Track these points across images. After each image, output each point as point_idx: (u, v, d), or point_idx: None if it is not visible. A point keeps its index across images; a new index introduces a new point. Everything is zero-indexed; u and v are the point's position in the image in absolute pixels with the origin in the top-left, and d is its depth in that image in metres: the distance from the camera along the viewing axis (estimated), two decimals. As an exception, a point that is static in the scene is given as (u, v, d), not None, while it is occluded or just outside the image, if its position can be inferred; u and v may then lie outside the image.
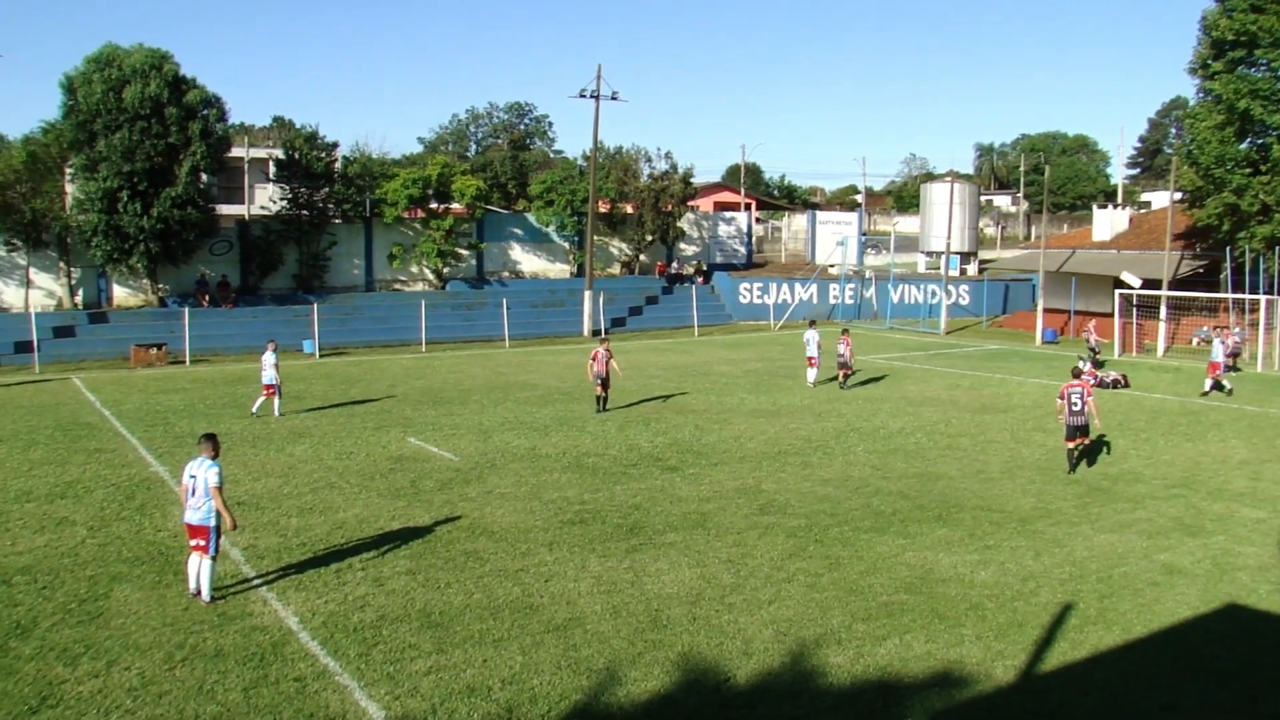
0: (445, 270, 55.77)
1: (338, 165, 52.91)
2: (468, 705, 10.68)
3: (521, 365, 39.52)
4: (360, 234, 54.23)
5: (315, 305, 45.52)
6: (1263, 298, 42.63)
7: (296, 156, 50.58)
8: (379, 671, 11.47)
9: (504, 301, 49.87)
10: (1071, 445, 21.93)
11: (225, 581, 14.22)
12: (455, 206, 55.29)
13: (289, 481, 20.40)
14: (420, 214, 54.53)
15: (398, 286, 55.25)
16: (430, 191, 53.64)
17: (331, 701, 10.76)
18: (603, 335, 33.55)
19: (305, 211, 50.90)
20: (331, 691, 10.98)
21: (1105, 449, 24.03)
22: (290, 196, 50.57)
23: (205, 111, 45.35)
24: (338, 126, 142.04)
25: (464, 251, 56.38)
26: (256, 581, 14.40)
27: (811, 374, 34.05)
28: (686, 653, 12.06)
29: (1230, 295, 45.26)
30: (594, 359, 28.49)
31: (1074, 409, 21.69)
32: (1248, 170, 45.90)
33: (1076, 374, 23.18)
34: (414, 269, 55.47)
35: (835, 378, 34.28)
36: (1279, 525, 17.91)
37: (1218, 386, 33.05)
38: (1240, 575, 15.14)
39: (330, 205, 51.85)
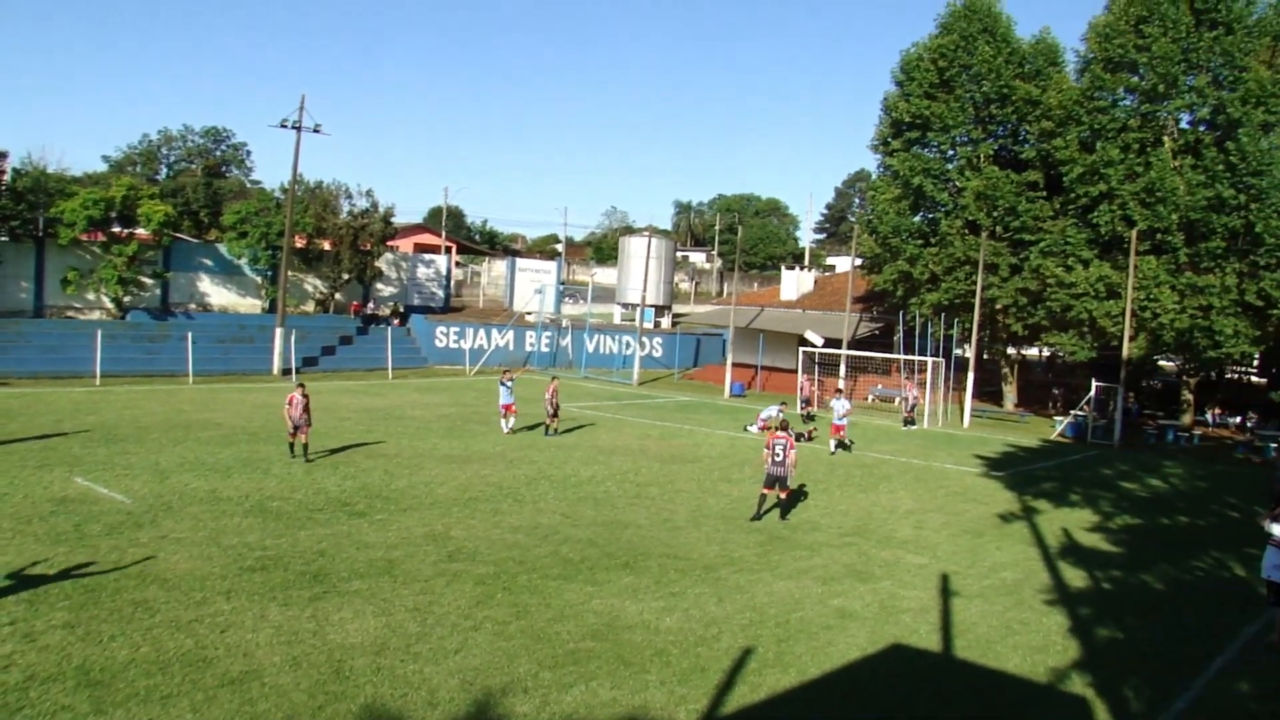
0: (126, 299, 52.45)
1: (6, 178, 48.91)
2: (127, 769, 9.89)
3: (206, 403, 37.54)
4: (30, 254, 50.27)
5: (-27, 330, 41.76)
6: (930, 359, 46.09)
7: (-45, 165, 46.44)
8: (24, 738, 10.45)
9: (189, 335, 47.33)
10: (767, 491, 22.90)
11: None
12: (141, 232, 52.22)
13: (-70, 524, 18.41)
14: (101, 237, 51.09)
15: (72, 314, 51.49)
16: (114, 214, 50.46)
17: (-34, 772, 9.71)
18: (296, 379, 32.18)
19: (-37, 226, 46.70)
20: (-34, 761, 9.92)
21: (801, 498, 25.16)
22: (-54, 208, 46.25)
23: None
24: (8, 135, 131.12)
25: (148, 280, 53.31)
26: (-116, 637, 12.86)
27: (508, 422, 33.93)
28: (370, 705, 11.65)
29: (902, 356, 48.70)
30: (290, 403, 26.91)
31: (775, 459, 22.70)
32: (920, 242, 49.77)
33: (784, 426, 24.22)
34: (91, 296, 51.88)
35: (541, 425, 34.50)
36: (938, 570, 19.22)
37: (842, 446, 34.75)
38: (904, 617, 16.11)
39: (-5, 222, 47.81)
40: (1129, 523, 25.31)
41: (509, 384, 34.02)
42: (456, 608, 15.18)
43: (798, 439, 36.22)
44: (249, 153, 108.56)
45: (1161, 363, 54.38)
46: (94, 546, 17.41)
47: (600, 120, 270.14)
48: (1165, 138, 44.31)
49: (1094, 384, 43.53)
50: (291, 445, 27.08)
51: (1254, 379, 57.83)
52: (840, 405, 35.27)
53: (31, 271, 50.39)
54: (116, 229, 51.13)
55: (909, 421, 43.16)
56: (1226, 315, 41.38)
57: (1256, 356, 52.21)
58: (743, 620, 15.44)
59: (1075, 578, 19.47)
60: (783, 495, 23.01)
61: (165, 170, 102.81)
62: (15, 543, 17.42)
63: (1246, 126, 40.66)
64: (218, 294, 57.37)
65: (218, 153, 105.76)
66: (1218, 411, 49.35)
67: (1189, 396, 48.20)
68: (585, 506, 23.05)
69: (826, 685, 13.21)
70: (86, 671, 12.09)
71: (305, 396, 27.10)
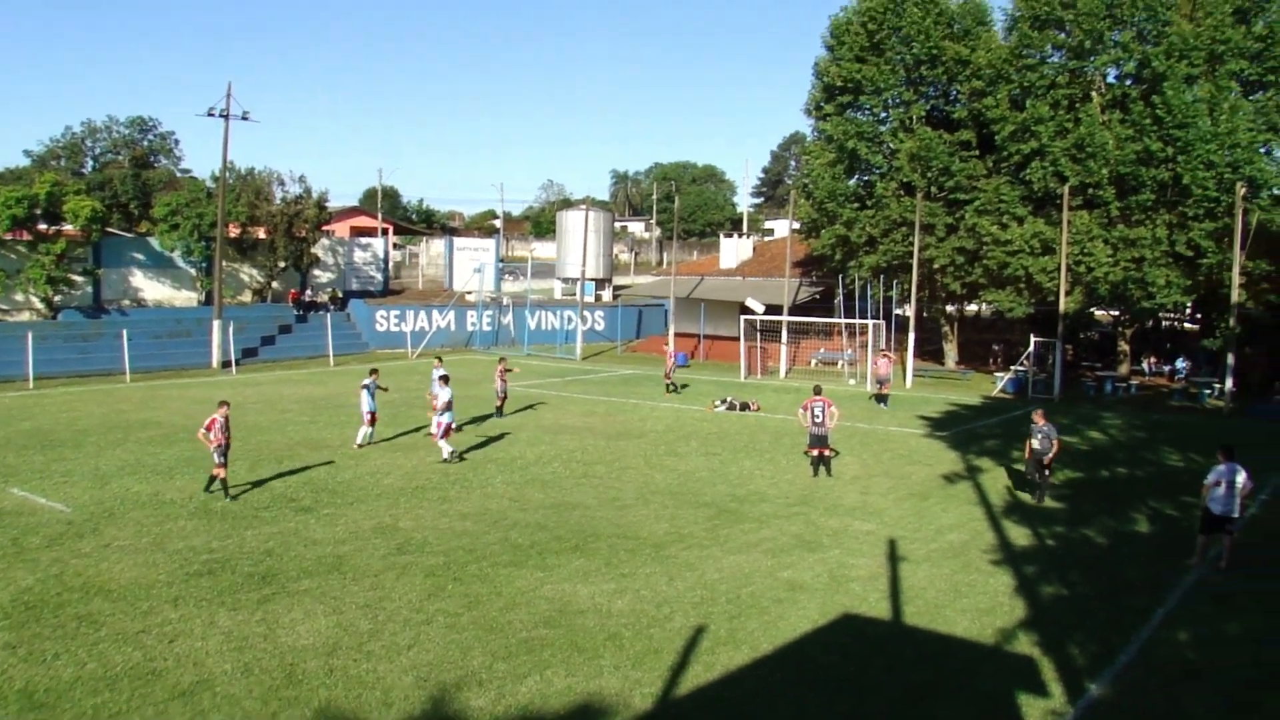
0: (57, 298, 51.32)
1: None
2: (78, 791, 9.78)
3: (144, 401, 36.96)
4: (-46, 259, 49.11)
5: (-101, 339, 40.70)
6: (870, 322, 46.38)
7: None
8: (-32, 767, 10.29)
9: (124, 332, 46.52)
10: (814, 452, 25.21)
11: None
12: (68, 228, 51.08)
13: None
14: (27, 236, 49.92)
15: (0, 316, 50.43)
16: (39, 211, 49.25)
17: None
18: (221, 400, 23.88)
19: (-119, 233, 45.37)
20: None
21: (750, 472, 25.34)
22: None
23: None
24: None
25: (79, 278, 52.18)
26: None
27: (364, 432, 28.47)
28: (324, 708, 11.63)
29: (843, 320, 48.97)
30: (209, 428, 21.69)
31: (816, 420, 24.84)
32: (856, 205, 50.00)
33: (818, 390, 25.79)
34: (19, 297, 50.73)
35: (496, 411, 34.02)
36: (886, 536, 19.48)
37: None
38: (853, 586, 16.32)
39: (-85, 226, 46.59)
40: (1070, 477, 25.71)
41: (372, 386, 28.62)
42: (408, 602, 15.16)
43: (743, 408, 36.46)
44: (177, 141, 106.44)
45: (1097, 314, 55.11)
46: (34, 560, 17.12)
47: (534, 93, 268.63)
48: (1093, 93, 44.74)
49: (1033, 339, 44.05)
50: (223, 482, 21.92)
51: (1188, 326, 58.76)
52: (442, 392, 26.77)
53: (-44, 274, 49.28)
54: (43, 226, 49.95)
55: (881, 399, 38.65)
56: (1158, 266, 41.99)
57: (1189, 305, 52.99)
58: (694, 598, 15.55)
59: (1020, 536, 19.81)
60: (826, 453, 25.28)
61: (91, 163, 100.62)
62: (-47, 560, 17.10)
63: (1171, 80, 41.08)
64: (151, 288, 56.39)
65: (145, 143, 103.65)
66: (1154, 360, 50.15)
67: (1125, 347, 48.99)
68: (533, 489, 23.06)
69: (779, 660, 13.36)
70: (30, 694, 11.90)
71: (228, 417, 22.31)
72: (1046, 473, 22.96)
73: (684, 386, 42.71)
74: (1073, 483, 25.07)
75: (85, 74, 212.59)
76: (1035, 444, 22.80)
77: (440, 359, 30.90)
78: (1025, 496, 23.22)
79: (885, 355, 40.57)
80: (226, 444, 21.85)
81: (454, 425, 27.13)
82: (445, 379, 27.44)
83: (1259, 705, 12.58)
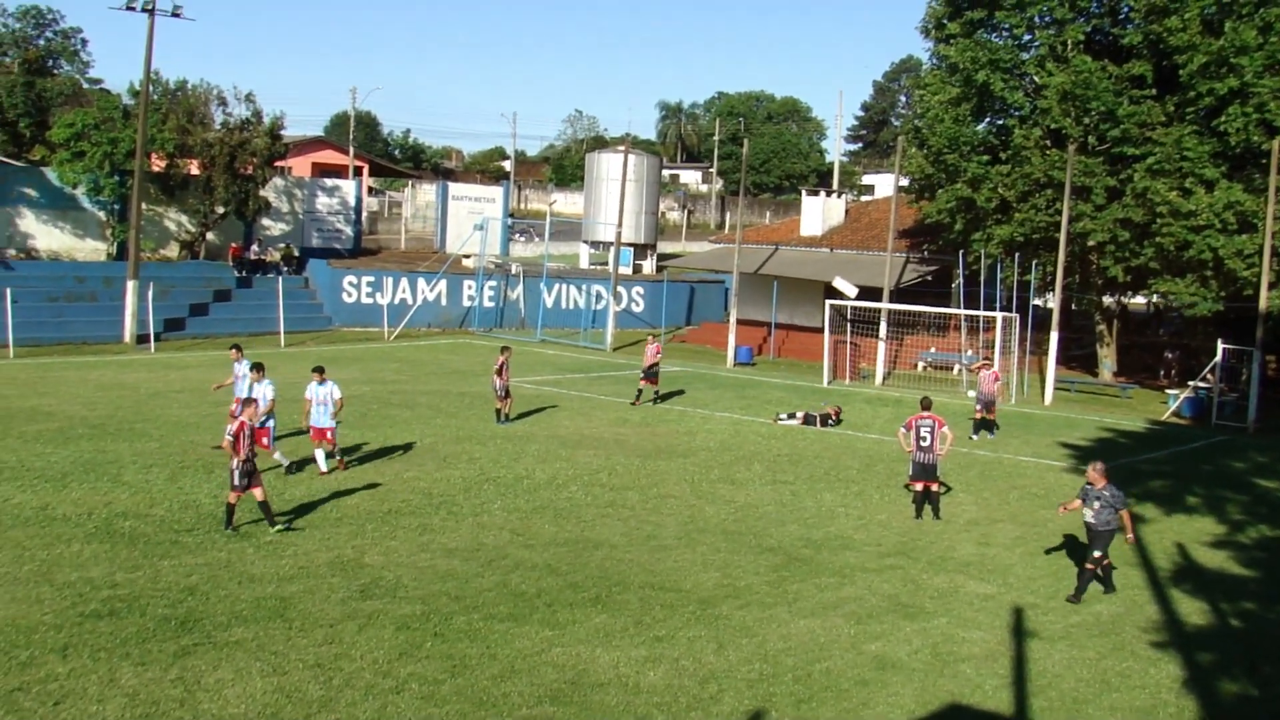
0: (-78, 245, 52.26)
1: None
2: None
3: (33, 384, 37.42)
4: None
5: None
6: (999, 315, 45.91)
7: None
8: None
9: (8, 291, 47.05)
10: (919, 487, 24.99)
11: None
12: (-63, 154, 51.98)
13: None
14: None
15: None
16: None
17: None
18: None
19: None
20: None
21: (813, 508, 25.28)
22: None
23: None
24: None
25: (-49, 219, 53.08)
26: None
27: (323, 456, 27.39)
28: (255, 799, 11.74)
29: (963, 311, 48.51)
30: (235, 435, 21.22)
31: (923, 444, 24.34)
32: (986, 158, 49.34)
33: (926, 405, 25.44)
34: (-126, 241, 51.65)
35: (500, 411, 34.23)
36: (1010, 602, 19.35)
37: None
38: (963, 667, 16.23)
39: None
40: (1266, 535, 25.46)
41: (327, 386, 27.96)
42: (372, 662, 15.24)
43: (824, 421, 36.36)
44: (84, 42, 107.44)
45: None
46: (-117, 587, 17.42)
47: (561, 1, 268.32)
48: (1321, 13, 44.19)
49: (1221, 346, 43.61)
50: (229, 507, 21.58)
51: None
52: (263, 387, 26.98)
53: None
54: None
55: (985, 425, 36.64)
56: (1404, 253, 41.47)
57: None
58: (750, 674, 15.53)
59: (1193, 611, 19.63)
60: (934, 488, 25.06)
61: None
62: None
63: None
64: (46, 235, 56.94)
65: (41, 42, 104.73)
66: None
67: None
68: (543, 520, 23.14)
69: (862, 762, 13.35)
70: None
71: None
72: (1106, 562, 20.24)
73: (665, 397, 41.14)
74: (1270, 544, 24.83)
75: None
76: (1088, 516, 20.14)
77: (239, 347, 30.26)
78: (1201, 557, 23.03)
79: (988, 365, 38.62)
80: (252, 461, 21.43)
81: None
82: (260, 368, 27.28)
83: None
